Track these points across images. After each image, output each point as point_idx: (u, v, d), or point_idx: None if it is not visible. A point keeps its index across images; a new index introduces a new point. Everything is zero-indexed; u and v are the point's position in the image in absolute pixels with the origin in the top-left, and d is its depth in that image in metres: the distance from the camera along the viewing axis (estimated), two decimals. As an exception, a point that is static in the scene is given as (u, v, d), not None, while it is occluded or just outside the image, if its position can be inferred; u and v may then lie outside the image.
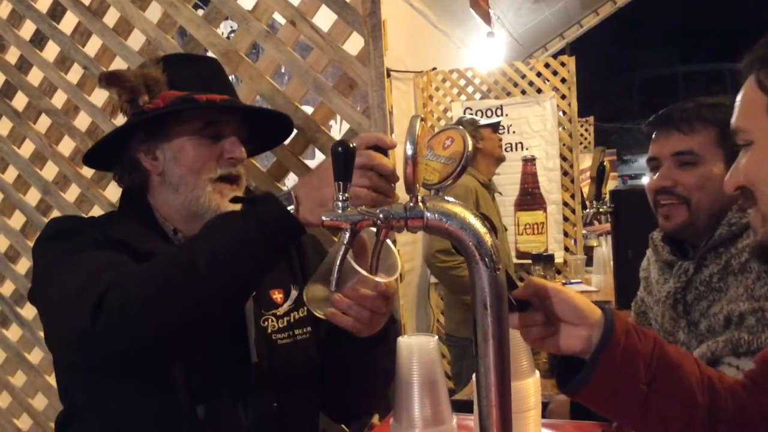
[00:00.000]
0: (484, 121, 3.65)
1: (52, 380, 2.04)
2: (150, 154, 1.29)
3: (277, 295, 1.32)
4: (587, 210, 3.21)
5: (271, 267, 1.13)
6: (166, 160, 1.27)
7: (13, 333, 2.13)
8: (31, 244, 1.94)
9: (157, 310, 1.04)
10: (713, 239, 1.38)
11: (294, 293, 1.34)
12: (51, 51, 1.93)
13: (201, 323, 1.08)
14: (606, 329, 0.94)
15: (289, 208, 1.05)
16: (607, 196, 3.07)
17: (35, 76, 1.96)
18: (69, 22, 1.89)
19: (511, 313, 0.95)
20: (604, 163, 3.32)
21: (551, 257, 3.22)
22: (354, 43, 1.62)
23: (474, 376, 0.83)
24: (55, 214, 1.97)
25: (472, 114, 4.55)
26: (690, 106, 1.45)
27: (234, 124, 1.31)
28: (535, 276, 2.17)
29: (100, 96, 1.86)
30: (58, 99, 1.94)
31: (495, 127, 3.59)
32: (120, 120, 1.39)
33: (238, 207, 1.19)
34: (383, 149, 1.07)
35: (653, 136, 1.50)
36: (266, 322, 1.28)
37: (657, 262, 1.56)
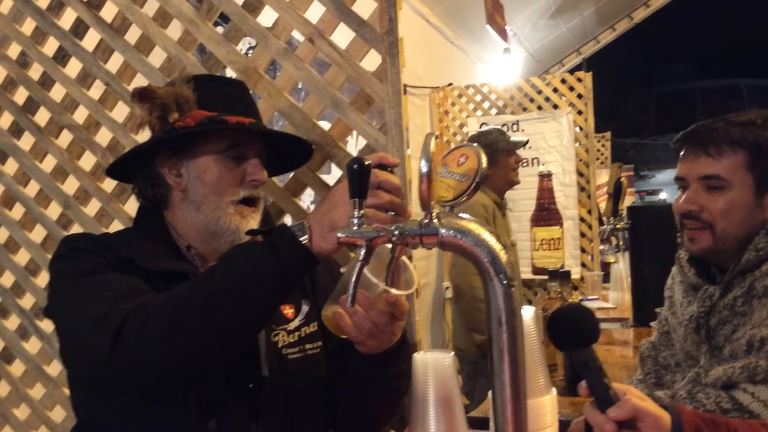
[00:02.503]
0: (512, 137, 3.58)
1: (70, 392, 2.05)
2: (174, 169, 1.31)
3: (288, 310, 1.32)
4: (604, 226, 3.19)
5: (286, 296, 1.15)
6: (190, 177, 1.30)
7: (33, 346, 2.15)
8: (51, 257, 1.97)
9: (175, 339, 1.06)
10: (740, 264, 1.34)
11: (305, 308, 1.34)
12: (73, 67, 1.96)
13: (218, 352, 1.11)
14: None
15: (302, 239, 1.06)
16: (624, 212, 3.05)
17: (58, 92, 1.99)
18: (91, 40, 1.92)
19: None
20: (621, 179, 3.29)
21: (568, 273, 3.17)
22: (371, 60, 1.63)
23: (490, 392, 0.83)
24: (76, 228, 2.00)
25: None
26: (719, 126, 1.39)
27: (257, 147, 1.33)
28: (550, 292, 2.15)
29: (121, 112, 1.89)
30: (80, 115, 1.97)
31: (517, 146, 3.55)
32: (143, 135, 1.41)
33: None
34: (387, 167, 1.09)
35: (681, 154, 1.45)
36: (277, 337, 1.29)
37: (682, 283, 1.52)
